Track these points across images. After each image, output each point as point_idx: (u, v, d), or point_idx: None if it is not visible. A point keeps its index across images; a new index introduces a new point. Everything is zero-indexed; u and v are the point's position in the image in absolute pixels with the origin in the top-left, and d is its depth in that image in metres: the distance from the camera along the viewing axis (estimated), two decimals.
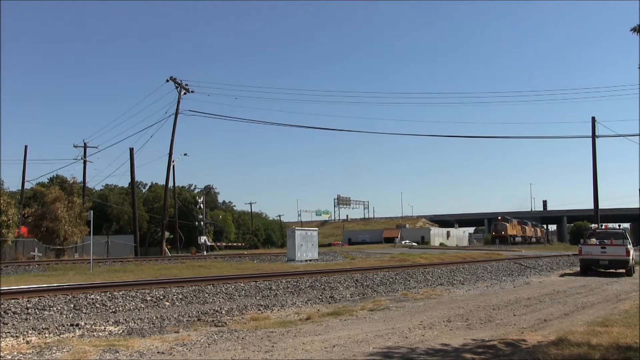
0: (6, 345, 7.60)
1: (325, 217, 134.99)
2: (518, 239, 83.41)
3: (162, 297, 11.97)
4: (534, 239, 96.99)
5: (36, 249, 36.33)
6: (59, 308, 10.29)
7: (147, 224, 65.99)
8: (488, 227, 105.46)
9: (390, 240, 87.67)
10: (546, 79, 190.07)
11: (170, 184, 48.52)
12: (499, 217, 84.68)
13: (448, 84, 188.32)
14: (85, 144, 47.85)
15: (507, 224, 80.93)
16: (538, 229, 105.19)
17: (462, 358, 6.76)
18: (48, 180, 61.06)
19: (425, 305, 12.51)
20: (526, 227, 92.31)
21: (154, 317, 10.18)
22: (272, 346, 7.48)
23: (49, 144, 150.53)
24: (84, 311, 10.36)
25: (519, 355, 6.77)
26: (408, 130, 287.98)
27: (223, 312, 11.11)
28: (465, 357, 6.78)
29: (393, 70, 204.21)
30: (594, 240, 23.64)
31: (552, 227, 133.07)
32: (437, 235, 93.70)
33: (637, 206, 54.24)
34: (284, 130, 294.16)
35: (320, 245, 37.61)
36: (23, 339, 8.04)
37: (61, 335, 8.46)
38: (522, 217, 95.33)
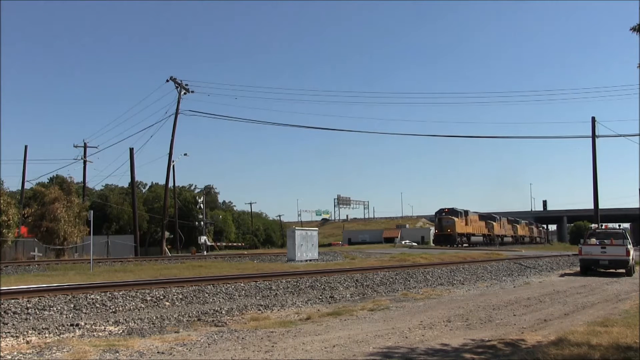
0: (6, 345, 7.60)
1: (325, 217, 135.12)
2: (476, 239, 62.52)
3: (162, 297, 11.97)
4: (509, 238, 76.15)
5: (36, 249, 36.34)
6: (59, 308, 10.29)
7: (147, 224, 66.04)
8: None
9: (390, 240, 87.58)
10: (546, 79, 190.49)
11: (170, 184, 48.53)
12: (446, 209, 61.65)
13: (448, 84, 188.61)
14: (85, 144, 47.95)
15: (456, 219, 59.42)
16: (518, 227, 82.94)
17: (462, 358, 6.76)
18: (48, 180, 61.14)
19: (425, 305, 12.51)
20: (494, 224, 70.52)
21: (154, 317, 10.17)
22: (272, 346, 7.48)
23: (49, 144, 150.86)
24: (84, 311, 10.36)
25: (519, 355, 6.76)
26: (408, 130, 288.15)
27: (223, 312, 11.11)
28: (465, 357, 6.78)
29: (393, 70, 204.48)
30: (594, 240, 23.63)
31: (552, 227, 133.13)
32: None
33: (637, 206, 54.35)
34: (284, 130, 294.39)
35: (320, 245, 37.59)
36: (23, 339, 8.04)
37: (61, 335, 8.46)
38: (522, 217, 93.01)
